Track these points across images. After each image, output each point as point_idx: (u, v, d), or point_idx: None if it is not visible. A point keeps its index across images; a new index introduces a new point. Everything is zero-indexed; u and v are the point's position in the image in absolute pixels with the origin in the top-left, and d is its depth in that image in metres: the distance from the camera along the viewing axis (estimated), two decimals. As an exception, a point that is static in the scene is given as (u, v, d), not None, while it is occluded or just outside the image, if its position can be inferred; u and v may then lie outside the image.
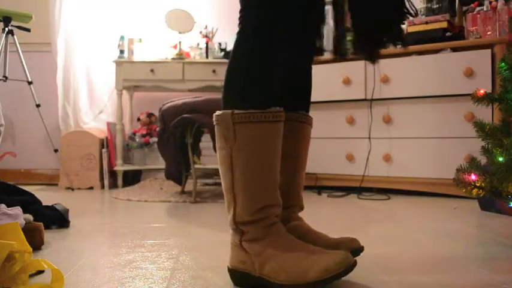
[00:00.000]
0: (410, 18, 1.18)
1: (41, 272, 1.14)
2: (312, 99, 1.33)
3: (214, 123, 1.06)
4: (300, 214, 1.30)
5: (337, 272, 0.93)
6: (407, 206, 2.37)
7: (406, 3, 1.14)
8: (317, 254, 0.98)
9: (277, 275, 0.98)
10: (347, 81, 2.89)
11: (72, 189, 3.27)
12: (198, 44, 3.62)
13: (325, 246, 1.13)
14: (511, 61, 1.46)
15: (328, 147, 3.00)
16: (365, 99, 2.87)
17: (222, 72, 3.36)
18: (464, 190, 1.53)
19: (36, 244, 1.44)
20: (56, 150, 3.30)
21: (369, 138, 2.85)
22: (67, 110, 3.59)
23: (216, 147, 1.08)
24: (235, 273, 1.07)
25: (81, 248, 1.46)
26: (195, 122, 2.52)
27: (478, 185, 1.49)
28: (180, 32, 3.45)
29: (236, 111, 1.01)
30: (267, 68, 1.03)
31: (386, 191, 2.83)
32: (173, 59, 3.42)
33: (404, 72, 2.73)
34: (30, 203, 1.73)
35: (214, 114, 1.06)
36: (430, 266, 1.22)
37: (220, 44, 3.60)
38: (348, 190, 2.91)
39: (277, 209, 1.04)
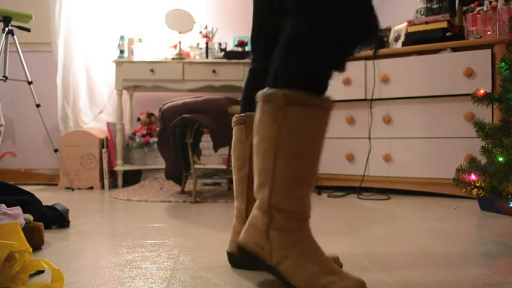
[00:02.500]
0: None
1: (41, 272, 1.14)
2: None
3: (260, 101, 0.99)
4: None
5: None
6: (407, 206, 2.37)
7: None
8: (338, 274, 0.96)
9: (295, 276, 0.96)
10: (347, 81, 2.90)
11: (72, 189, 3.27)
12: (198, 44, 3.62)
13: None
14: (511, 61, 1.46)
15: (328, 147, 3.00)
16: (365, 99, 2.87)
17: (222, 72, 3.36)
18: (464, 190, 1.53)
19: (36, 244, 1.44)
20: (56, 150, 3.30)
21: (369, 138, 2.85)
22: (66, 110, 3.59)
23: (256, 122, 1.01)
24: (245, 252, 1.03)
25: (81, 248, 1.46)
26: (195, 122, 2.52)
27: (478, 185, 1.49)
28: (180, 32, 3.45)
29: (288, 92, 0.94)
30: (329, 55, 0.97)
31: (387, 191, 2.83)
32: (173, 59, 3.42)
33: (404, 72, 2.73)
34: (30, 203, 1.73)
35: (260, 93, 0.99)
36: (430, 266, 1.22)
37: (220, 44, 3.61)
38: (348, 190, 2.91)
39: (310, 204, 1.02)
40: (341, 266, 1.13)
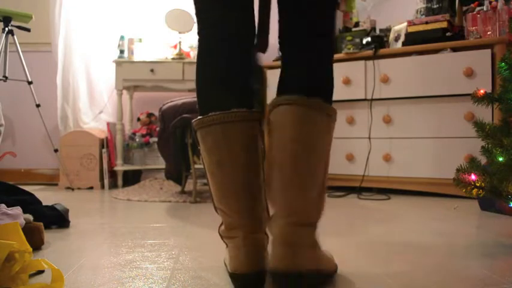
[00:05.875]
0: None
1: (41, 272, 1.15)
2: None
3: (315, 110, 1.01)
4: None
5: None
6: (407, 206, 2.37)
7: None
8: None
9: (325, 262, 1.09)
10: (347, 81, 2.89)
11: (72, 189, 3.27)
12: (198, 44, 3.61)
13: None
14: (511, 61, 1.46)
15: (328, 147, 2.99)
16: (365, 99, 2.87)
17: (222, 72, 3.35)
18: (464, 190, 1.53)
19: (36, 244, 1.44)
20: (56, 150, 3.31)
21: (369, 138, 2.85)
22: (66, 110, 3.59)
23: (307, 132, 1.00)
24: (302, 277, 0.95)
25: (81, 248, 1.46)
26: (195, 122, 2.52)
27: (478, 185, 1.49)
28: (180, 32, 3.45)
29: (334, 108, 1.08)
30: None
31: (386, 191, 2.83)
32: (173, 59, 3.42)
33: (404, 72, 2.73)
34: (30, 203, 1.73)
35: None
36: (430, 266, 1.22)
37: (220, 44, 3.60)
38: (348, 190, 2.91)
39: None
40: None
